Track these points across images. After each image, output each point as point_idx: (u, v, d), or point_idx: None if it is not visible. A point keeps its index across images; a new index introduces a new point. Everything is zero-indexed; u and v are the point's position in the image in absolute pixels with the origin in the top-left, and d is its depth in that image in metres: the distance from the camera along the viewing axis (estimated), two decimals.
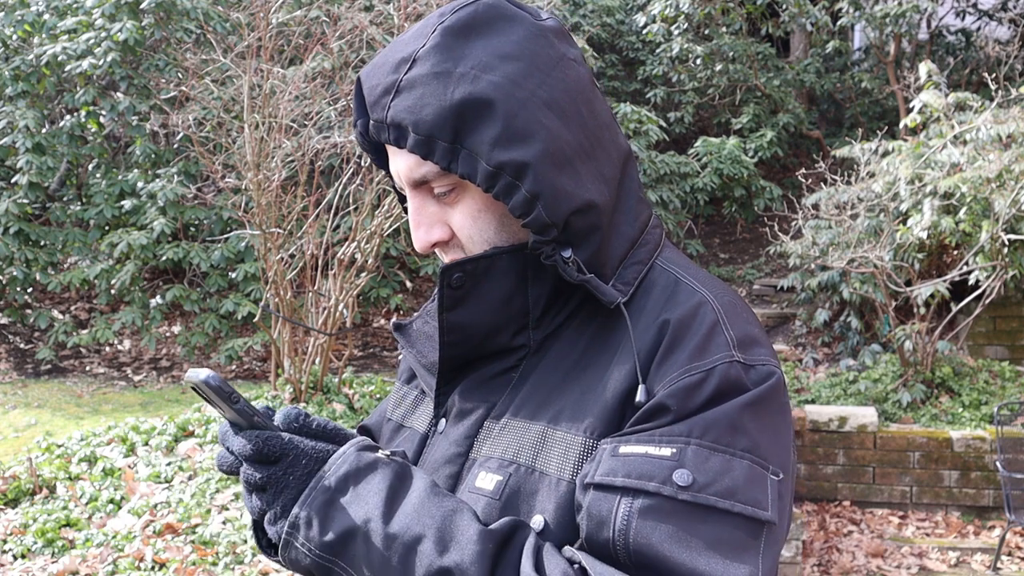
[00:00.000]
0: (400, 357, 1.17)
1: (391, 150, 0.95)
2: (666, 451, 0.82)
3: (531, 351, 0.97)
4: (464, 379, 1.00)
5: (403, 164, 0.93)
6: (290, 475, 0.87)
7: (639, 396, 0.86)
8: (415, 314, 1.07)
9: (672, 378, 0.85)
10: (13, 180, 7.78)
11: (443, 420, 1.01)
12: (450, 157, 0.88)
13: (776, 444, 0.86)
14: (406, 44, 0.92)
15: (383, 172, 1.10)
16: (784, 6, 9.47)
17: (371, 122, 0.93)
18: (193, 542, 4.13)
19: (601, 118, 0.95)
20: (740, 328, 0.90)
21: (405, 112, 0.89)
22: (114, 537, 4.22)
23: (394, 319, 1.07)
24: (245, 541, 4.11)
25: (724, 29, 9.99)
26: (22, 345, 7.91)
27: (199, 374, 0.86)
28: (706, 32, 10.17)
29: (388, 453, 0.92)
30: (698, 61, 9.98)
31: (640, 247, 0.97)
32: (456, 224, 0.94)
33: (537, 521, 0.87)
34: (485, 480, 0.91)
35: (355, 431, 1.25)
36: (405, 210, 1.05)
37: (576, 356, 0.94)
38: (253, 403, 0.91)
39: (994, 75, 7.32)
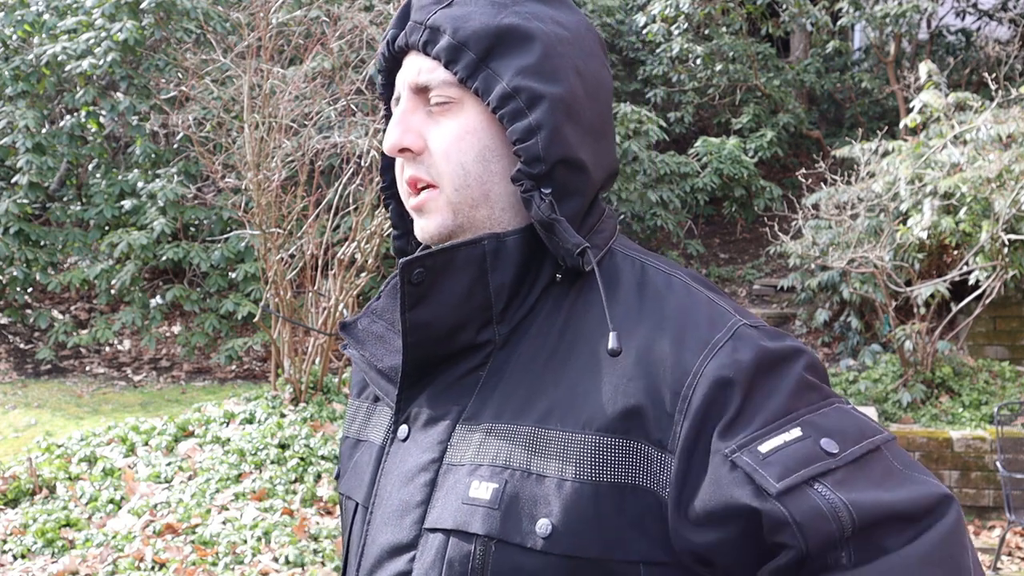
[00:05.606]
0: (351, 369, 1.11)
1: (409, 59, 0.94)
2: (796, 431, 0.82)
3: (497, 347, 0.94)
4: (428, 382, 0.96)
5: (415, 68, 0.93)
6: None
7: (611, 343, 0.85)
8: (358, 312, 1.03)
9: (705, 354, 0.85)
10: (13, 180, 7.78)
11: (404, 426, 0.96)
12: (472, 70, 0.89)
13: (825, 382, 0.89)
14: None
15: (379, 170, 1.08)
16: (784, 6, 9.47)
17: (406, 28, 0.93)
18: (193, 542, 4.13)
19: (611, 128, 0.98)
20: (724, 299, 0.92)
21: (448, 19, 0.90)
22: (114, 537, 4.22)
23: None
24: (245, 541, 4.11)
25: (724, 29, 9.99)
26: (22, 345, 7.90)
27: None
28: (706, 32, 10.17)
29: None
30: (698, 61, 9.97)
31: (597, 233, 0.97)
32: (436, 138, 0.92)
33: (543, 525, 0.84)
34: (480, 489, 0.88)
35: None
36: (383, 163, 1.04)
37: (551, 350, 0.92)
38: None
39: (994, 75, 7.32)
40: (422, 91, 0.93)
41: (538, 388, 0.90)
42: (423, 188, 0.94)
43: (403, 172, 0.96)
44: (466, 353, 0.95)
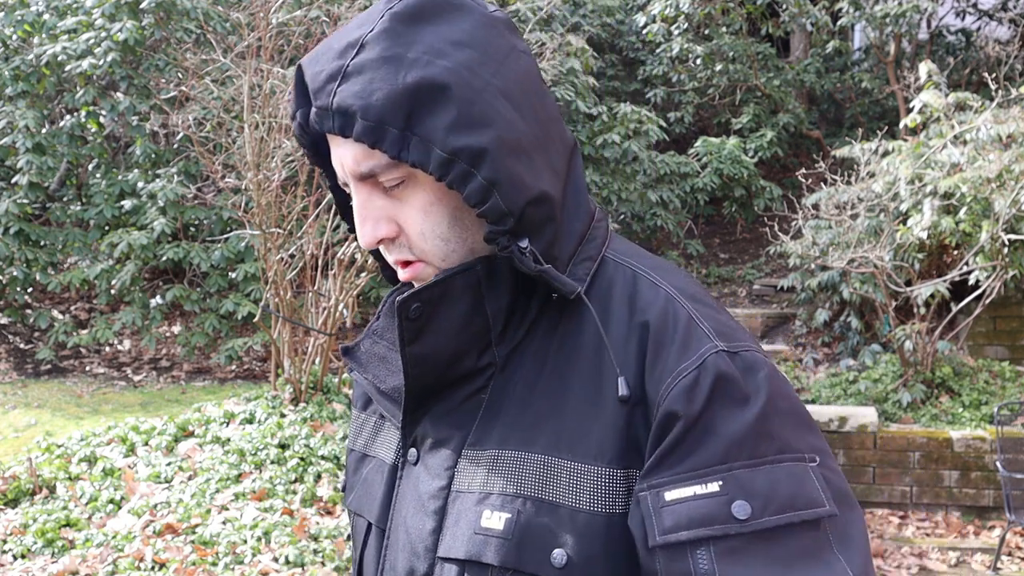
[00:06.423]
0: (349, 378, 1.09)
1: (334, 141, 0.90)
2: (713, 486, 0.80)
3: (498, 369, 0.94)
4: (431, 405, 0.95)
5: (348, 155, 0.87)
6: None
7: (621, 390, 0.84)
8: (360, 335, 1.02)
9: (667, 384, 0.84)
10: (13, 180, 7.78)
11: (413, 449, 0.96)
12: (401, 145, 0.84)
13: (796, 428, 0.84)
14: (352, 31, 0.88)
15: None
16: (784, 6, 9.48)
17: (313, 110, 0.87)
18: (193, 542, 4.13)
19: (550, 111, 0.93)
20: (711, 318, 0.89)
21: (353, 97, 0.84)
22: (114, 537, 4.22)
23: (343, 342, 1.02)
24: (245, 541, 4.11)
25: (724, 29, 9.99)
26: (22, 345, 7.91)
27: None
28: (706, 32, 10.17)
29: None
30: (698, 61, 9.98)
31: (588, 243, 0.95)
32: (407, 220, 0.89)
33: (558, 555, 0.84)
34: (492, 519, 0.87)
35: None
36: (341, 209, 1.01)
37: (551, 371, 0.91)
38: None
39: (994, 75, 7.32)
40: (368, 177, 0.88)
41: (543, 413, 0.90)
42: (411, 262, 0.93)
43: (387, 253, 0.94)
44: (469, 377, 0.94)
